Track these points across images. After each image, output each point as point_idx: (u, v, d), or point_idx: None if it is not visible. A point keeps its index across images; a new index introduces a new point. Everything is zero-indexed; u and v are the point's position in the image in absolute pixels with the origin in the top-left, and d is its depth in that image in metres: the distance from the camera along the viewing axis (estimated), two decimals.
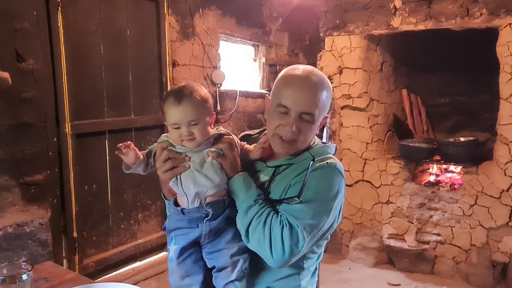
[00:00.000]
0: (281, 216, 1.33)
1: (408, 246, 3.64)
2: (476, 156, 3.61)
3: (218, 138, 1.38)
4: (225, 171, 1.36)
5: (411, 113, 4.18)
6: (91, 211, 3.27)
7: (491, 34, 3.36)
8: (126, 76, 3.45)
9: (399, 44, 4.04)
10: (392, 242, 3.71)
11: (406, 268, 3.66)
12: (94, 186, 3.27)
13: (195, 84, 1.38)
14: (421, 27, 3.54)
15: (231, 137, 1.41)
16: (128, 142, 1.34)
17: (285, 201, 1.36)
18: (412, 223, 3.70)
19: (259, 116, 4.56)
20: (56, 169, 3.00)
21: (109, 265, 3.38)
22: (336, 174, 1.42)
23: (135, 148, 1.35)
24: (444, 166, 3.86)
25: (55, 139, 2.98)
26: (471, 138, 3.72)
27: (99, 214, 3.31)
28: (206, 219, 1.33)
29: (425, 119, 4.38)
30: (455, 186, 3.70)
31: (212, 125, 1.39)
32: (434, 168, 3.95)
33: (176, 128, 1.32)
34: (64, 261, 3.09)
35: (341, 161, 1.63)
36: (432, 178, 3.92)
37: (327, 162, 1.42)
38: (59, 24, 2.93)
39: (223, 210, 1.36)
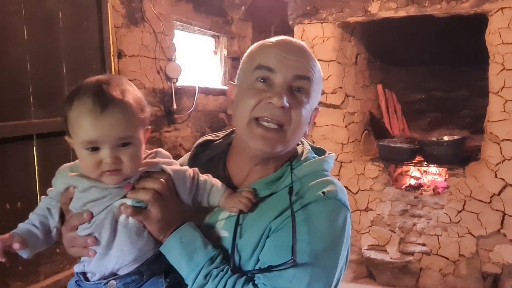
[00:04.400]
0: None
1: (390, 258, 3.43)
2: (460, 156, 3.38)
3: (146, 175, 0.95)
4: (150, 233, 0.93)
5: (387, 110, 3.97)
6: None
7: (477, 22, 3.11)
8: (58, 69, 2.88)
9: (374, 34, 3.78)
10: (373, 254, 3.51)
11: (388, 282, 3.45)
12: (19, 203, 2.67)
13: (123, 79, 0.96)
14: (402, 13, 3.25)
15: (165, 175, 0.95)
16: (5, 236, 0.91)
17: (268, 270, 0.91)
18: (394, 232, 3.47)
19: (221, 116, 4.10)
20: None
21: None
22: (339, 210, 0.98)
23: (15, 236, 0.92)
24: (425, 168, 3.65)
25: None
26: (456, 137, 3.50)
27: None
28: None
29: (401, 117, 4.21)
30: (439, 190, 3.50)
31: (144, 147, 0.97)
32: (414, 171, 3.70)
33: (92, 150, 0.88)
34: None
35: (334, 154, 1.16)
36: (413, 182, 3.71)
37: (323, 192, 0.96)
38: None
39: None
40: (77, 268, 0.97)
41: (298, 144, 1.12)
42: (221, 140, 1.18)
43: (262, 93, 0.98)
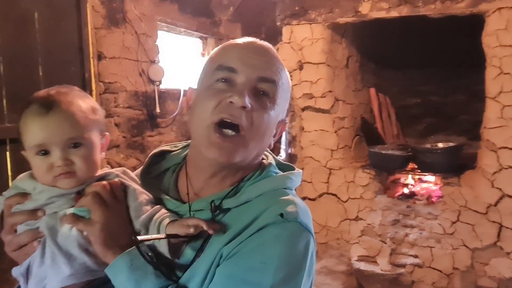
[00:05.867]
0: None
1: (381, 270, 3.27)
2: (456, 164, 3.25)
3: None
4: (94, 248, 0.85)
5: (380, 115, 3.89)
6: None
7: (473, 24, 2.99)
8: (34, 71, 2.79)
9: (366, 36, 3.69)
10: (363, 265, 3.35)
11: None
12: None
13: (74, 87, 0.95)
14: (394, 13, 3.14)
15: (113, 182, 0.90)
16: None
17: None
18: (385, 243, 3.34)
19: None
20: None
21: None
22: (299, 235, 0.86)
23: None
24: (418, 176, 3.55)
25: None
26: (451, 144, 3.38)
27: None
28: None
29: (395, 122, 4.15)
30: (433, 199, 3.37)
31: (103, 152, 0.96)
32: (408, 179, 3.61)
33: (43, 154, 0.87)
34: None
35: (302, 171, 1.04)
36: (406, 190, 3.57)
37: (281, 214, 0.85)
38: None
39: None
40: (15, 271, 0.91)
41: (263, 159, 1.01)
42: (179, 151, 1.07)
43: (223, 93, 0.88)
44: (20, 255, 0.89)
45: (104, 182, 0.88)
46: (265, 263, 0.81)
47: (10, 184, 2.63)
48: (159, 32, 3.53)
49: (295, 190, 0.98)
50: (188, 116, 0.96)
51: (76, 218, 0.84)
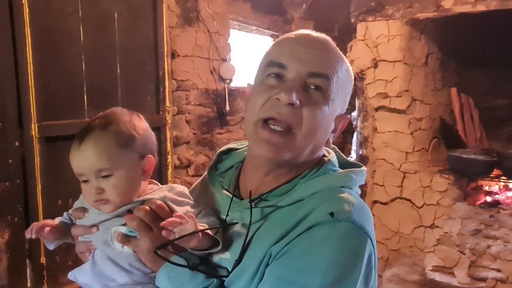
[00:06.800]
0: None
1: (459, 283, 3.13)
2: None
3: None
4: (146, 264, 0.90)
5: (462, 117, 3.67)
6: None
7: None
8: (113, 69, 2.94)
9: (449, 32, 3.49)
10: (438, 276, 3.23)
11: None
12: (70, 200, 2.74)
13: (125, 113, 0.99)
14: (481, 7, 2.91)
15: (153, 204, 0.91)
16: (36, 225, 0.97)
17: None
18: (464, 254, 3.15)
19: None
20: (18, 180, 2.47)
21: None
22: (353, 235, 0.81)
23: (48, 222, 1.00)
24: (504, 183, 3.32)
25: (17, 143, 2.47)
26: None
27: None
28: None
29: (478, 124, 3.88)
30: None
31: (148, 175, 0.99)
32: (492, 186, 3.36)
33: (84, 182, 0.95)
34: None
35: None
36: (489, 198, 3.34)
37: (331, 214, 0.80)
38: (23, 1, 2.41)
39: None
40: (70, 275, 0.99)
41: (323, 156, 0.97)
42: (244, 148, 1.07)
43: (272, 89, 0.85)
44: (83, 260, 0.98)
45: (147, 208, 0.90)
46: (314, 265, 0.77)
47: None
48: (231, 31, 3.58)
49: (361, 190, 0.93)
50: (244, 112, 0.95)
51: (127, 239, 0.89)
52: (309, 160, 0.91)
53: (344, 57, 0.92)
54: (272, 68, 0.87)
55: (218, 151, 1.08)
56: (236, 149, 1.08)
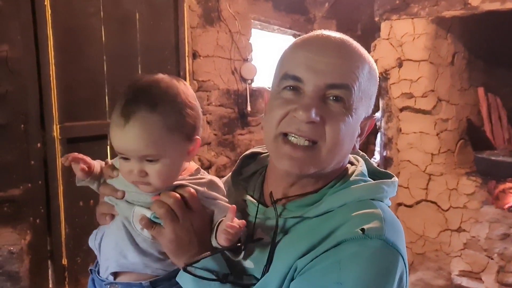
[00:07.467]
0: None
1: None
2: None
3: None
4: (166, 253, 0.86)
5: (489, 117, 3.62)
6: (87, 231, 2.69)
7: None
8: (134, 69, 2.94)
9: (475, 30, 3.46)
10: (465, 282, 3.16)
11: None
12: (92, 201, 2.74)
13: (173, 85, 0.87)
14: (510, 5, 2.88)
15: (187, 193, 0.86)
16: (75, 154, 0.93)
17: None
18: (492, 259, 3.08)
19: None
20: (40, 182, 2.49)
21: None
22: (383, 254, 0.75)
23: (86, 159, 0.94)
24: None
25: (39, 144, 2.48)
26: None
27: None
28: None
29: (506, 125, 3.79)
30: None
31: (192, 156, 0.92)
32: None
33: (123, 158, 0.87)
34: None
35: (398, 177, 0.92)
36: None
37: (362, 229, 0.75)
38: (45, 3, 2.42)
39: None
40: (90, 241, 0.97)
41: (351, 163, 0.92)
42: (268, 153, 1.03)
43: (289, 104, 0.80)
44: (100, 222, 0.94)
45: (177, 196, 0.84)
46: (341, 284, 0.72)
47: None
48: (253, 30, 3.56)
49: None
50: (263, 121, 0.92)
51: (150, 224, 0.84)
52: (335, 169, 0.87)
53: (366, 55, 0.85)
54: (287, 81, 0.82)
55: (242, 155, 1.04)
56: (261, 153, 1.04)
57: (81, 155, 0.94)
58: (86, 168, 0.92)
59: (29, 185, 2.44)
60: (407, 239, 3.00)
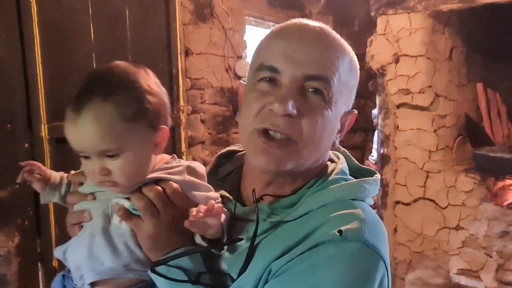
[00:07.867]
0: None
1: (485, 287, 3.03)
2: None
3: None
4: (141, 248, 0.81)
5: (488, 113, 3.56)
6: None
7: None
8: None
9: (474, 24, 3.39)
10: (463, 280, 3.16)
11: None
12: None
13: (131, 71, 0.82)
14: None
15: (169, 187, 0.81)
16: (31, 165, 0.90)
17: None
18: (491, 257, 3.06)
19: None
20: (28, 183, 2.42)
21: None
22: (362, 256, 0.72)
23: (41, 167, 0.91)
24: None
25: (26, 145, 2.47)
26: None
27: None
28: None
29: (505, 121, 3.72)
30: None
31: (161, 149, 0.86)
32: None
33: (84, 157, 0.81)
34: None
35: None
36: None
37: (339, 231, 0.72)
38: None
39: None
40: (56, 252, 0.89)
41: (331, 160, 0.88)
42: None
43: (265, 96, 0.76)
44: (71, 234, 0.89)
45: (159, 189, 0.79)
46: None
47: None
48: (247, 27, 3.51)
49: (373, 200, 0.85)
50: (237, 117, 0.86)
51: (128, 215, 0.79)
52: (314, 167, 0.83)
53: (346, 46, 0.82)
54: (263, 72, 0.78)
55: (217, 154, 1.00)
56: (238, 151, 1.00)
57: (34, 163, 0.92)
58: (39, 176, 0.88)
59: (17, 186, 2.41)
60: (405, 237, 2.95)
